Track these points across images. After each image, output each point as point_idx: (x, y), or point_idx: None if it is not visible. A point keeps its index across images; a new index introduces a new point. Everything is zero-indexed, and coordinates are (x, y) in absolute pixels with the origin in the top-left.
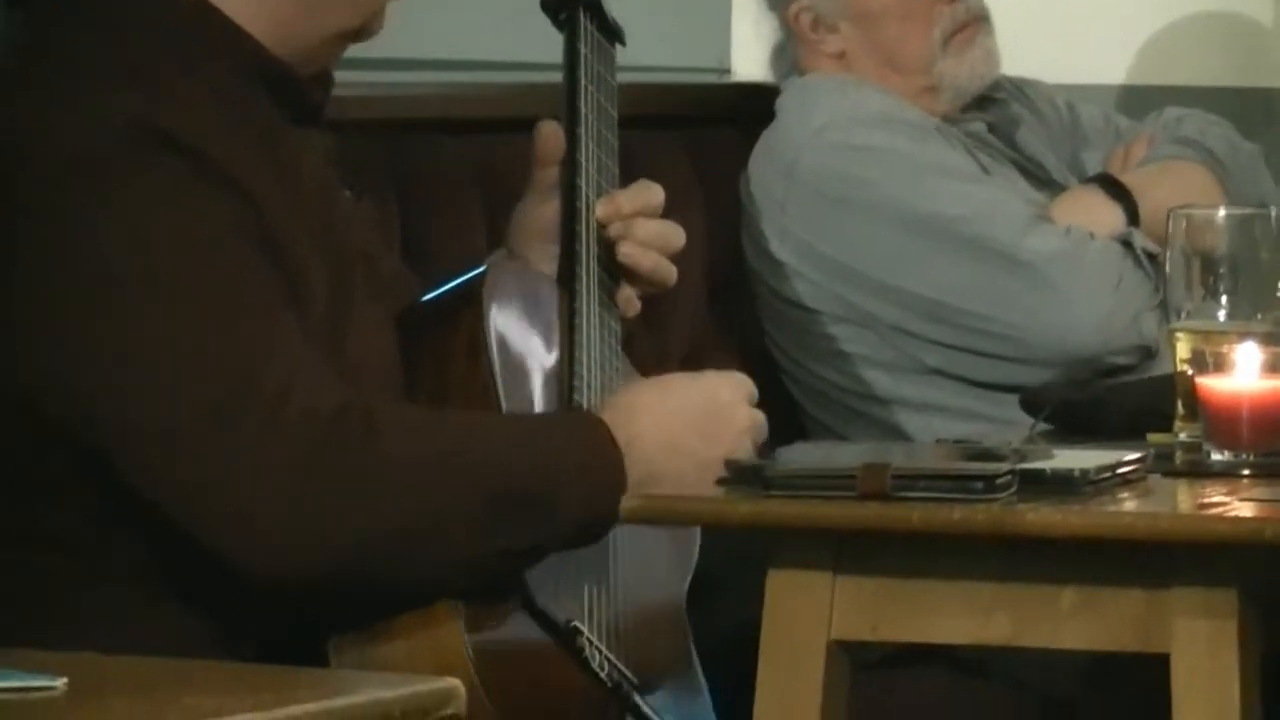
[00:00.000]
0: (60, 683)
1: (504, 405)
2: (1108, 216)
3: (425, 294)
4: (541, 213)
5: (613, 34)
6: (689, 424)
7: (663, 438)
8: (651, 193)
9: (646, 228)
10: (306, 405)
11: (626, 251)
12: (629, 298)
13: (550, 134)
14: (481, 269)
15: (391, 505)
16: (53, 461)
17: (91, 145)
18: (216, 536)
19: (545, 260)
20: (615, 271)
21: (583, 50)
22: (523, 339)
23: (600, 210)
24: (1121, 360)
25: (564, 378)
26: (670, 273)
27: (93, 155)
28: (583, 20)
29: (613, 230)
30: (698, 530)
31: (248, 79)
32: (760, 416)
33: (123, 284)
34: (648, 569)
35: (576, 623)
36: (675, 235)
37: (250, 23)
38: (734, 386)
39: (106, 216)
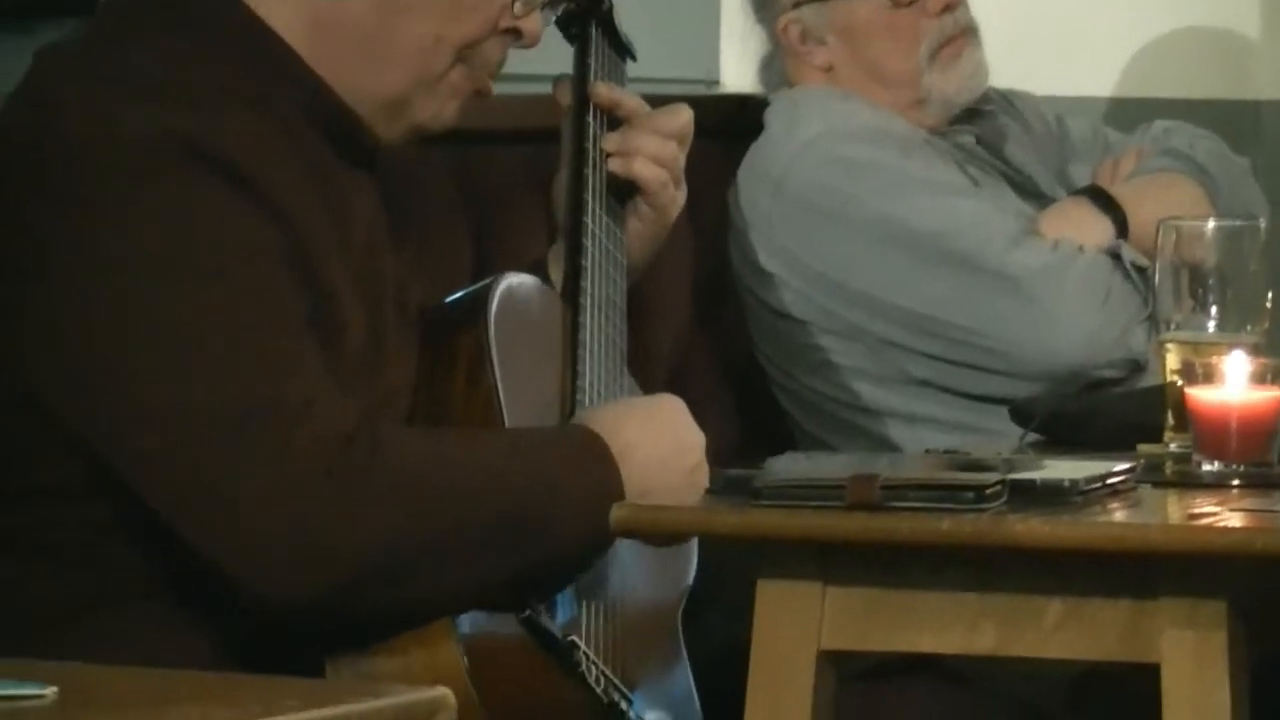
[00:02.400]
0: (50, 691)
1: (506, 419)
2: (1097, 229)
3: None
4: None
5: (624, 49)
6: (666, 437)
7: (649, 450)
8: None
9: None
10: (318, 431)
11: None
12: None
13: (565, 85)
14: (487, 282)
15: (395, 530)
16: (55, 472)
17: (130, 157)
18: (220, 554)
19: None
20: (620, 260)
21: (593, 64)
22: (527, 354)
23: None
24: (1109, 374)
25: (566, 393)
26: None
27: (129, 166)
28: (594, 35)
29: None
30: (694, 543)
31: (304, 113)
32: (702, 434)
33: (145, 292)
34: (644, 582)
35: (574, 638)
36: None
37: (315, 63)
38: (681, 405)
39: (136, 225)
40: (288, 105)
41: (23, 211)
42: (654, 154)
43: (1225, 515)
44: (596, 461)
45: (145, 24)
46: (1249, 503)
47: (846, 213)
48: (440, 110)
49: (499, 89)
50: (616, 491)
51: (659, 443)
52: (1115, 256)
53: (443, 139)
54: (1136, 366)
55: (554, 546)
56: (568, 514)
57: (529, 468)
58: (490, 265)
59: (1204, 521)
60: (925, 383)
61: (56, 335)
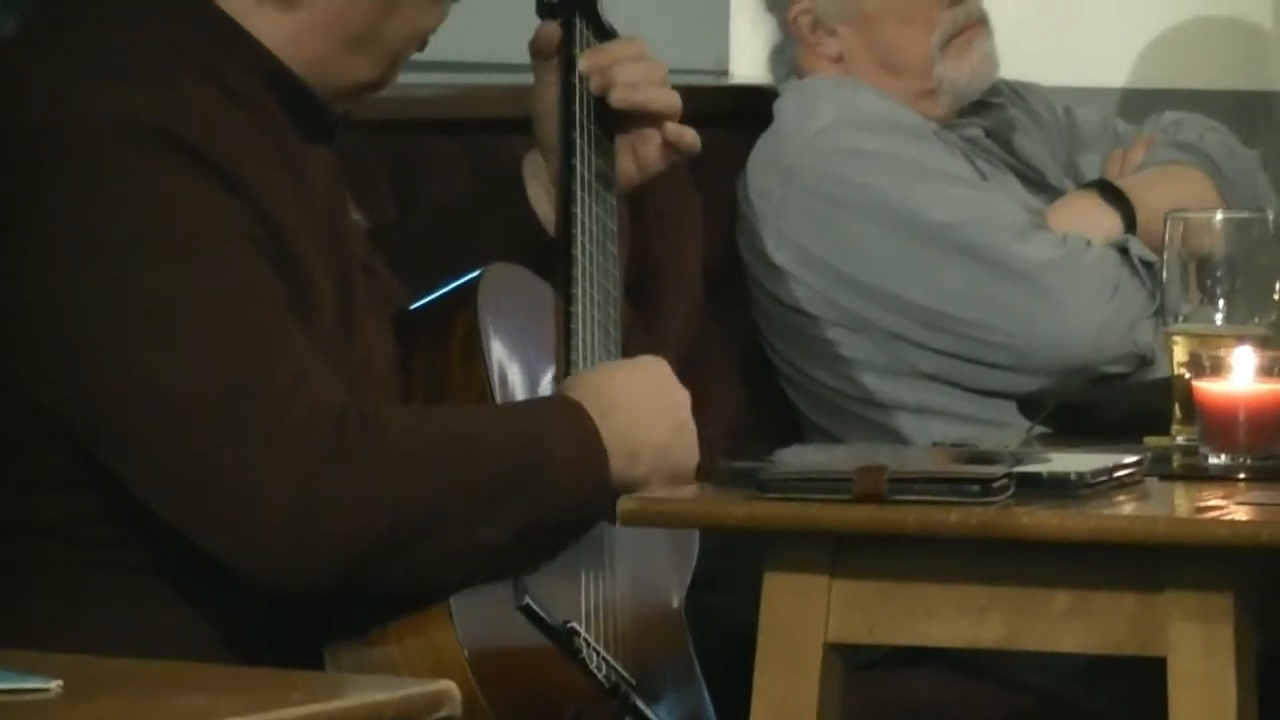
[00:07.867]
0: (55, 685)
1: (498, 402)
2: (1105, 222)
3: (420, 299)
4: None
5: (608, 38)
6: (651, 394)
7: (634, 407)
8: (632, 44)
9: (628, 70)
10: (311, 407)
11: (620, 98)
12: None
13: (548, 28)
14: (477, 273)
15: (394, 504)
16: (61, 451)
17: (95, 141)
18: (220, 541)
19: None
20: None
21: (578, 55)
22: (519, 342)
23: (582, 63)
24: (1116, 369)
25: (560, 379)
26: (672, 97)
27: (96, 151)
28: (579, 24)
29: (594, 84)
30: (695, 531)
31: (264, 90)
32: (686, 392)
33: (122, 277)
34: (646, 569)
35: (573, 624)
36: (656, 68)
37: (278, 50)
38: (661, 364)
39: (108, 210)
40: (243, 77)
41: None
42: (634, 78)
43: (1232, 508)
44: (576, 420)
45: (94, 6)
46: (1256, 495)
47: (855, 203)
48: (393, 79)
49: (507, 79)
50: (597, 444)
51: (643, 400)
52: (1123, 251)
53: (457, 128)
54: (1143, 362)
55: (547, 505)
56: (558, 471)
57: (515, 431)
58: None
59: (1211, 514)
60: (933, 376)
61: (38, 325)
